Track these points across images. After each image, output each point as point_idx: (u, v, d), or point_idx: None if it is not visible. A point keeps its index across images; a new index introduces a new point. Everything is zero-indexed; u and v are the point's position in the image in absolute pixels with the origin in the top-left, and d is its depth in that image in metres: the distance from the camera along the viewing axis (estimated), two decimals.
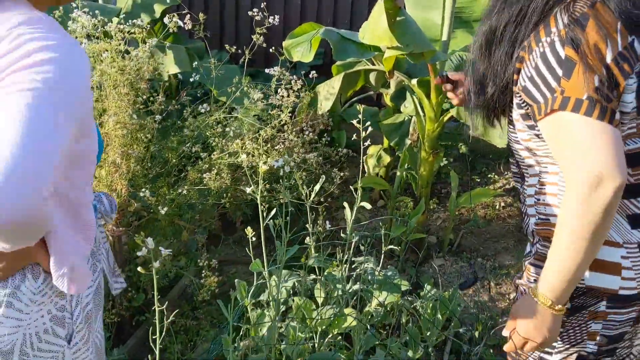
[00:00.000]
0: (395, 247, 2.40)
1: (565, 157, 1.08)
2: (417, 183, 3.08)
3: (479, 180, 3.97)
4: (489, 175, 4.00)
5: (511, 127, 1.27)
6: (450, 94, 1.58)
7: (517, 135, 1.24)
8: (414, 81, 2.77)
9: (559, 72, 1.06)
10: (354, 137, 2.16)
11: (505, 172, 4.05)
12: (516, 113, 1.20)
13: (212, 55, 4.41)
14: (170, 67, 3.46)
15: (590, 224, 1.04)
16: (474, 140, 3.90)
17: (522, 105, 1.17)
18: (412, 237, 2.96)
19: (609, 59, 1.04)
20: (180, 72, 3.46)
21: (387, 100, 3.30)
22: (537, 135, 1.18)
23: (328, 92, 2.90)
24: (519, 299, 1.29)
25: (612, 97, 1.04)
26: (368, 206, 2.19)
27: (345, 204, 2.31)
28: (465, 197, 3.06)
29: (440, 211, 3.57)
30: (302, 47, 2.87)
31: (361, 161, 3.85)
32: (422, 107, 2.86)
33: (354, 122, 2.06)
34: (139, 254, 1.12)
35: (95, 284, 1.30)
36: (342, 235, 2.58)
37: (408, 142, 3.06)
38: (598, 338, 1.23)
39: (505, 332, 1.27)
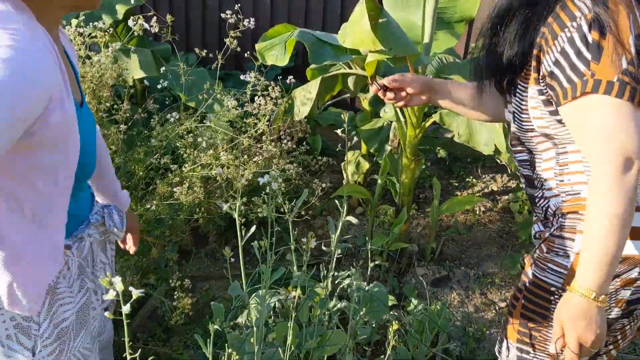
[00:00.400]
0: (383, 263, 2.27)
1: (592, 141, 1.09)
2: (397, 190, 2.97)
3: (457, 184, 3.88)
4: (467, 179, 3.91)
5: (524, 115, 1.28)
6: (390, 101, 1.61)
7: (533, 123, 1.26)
8: None
9: (588, 55, 1.07)
10: (339, 146, 2.02)
11: (483, 176, 3.98)
12: (535, 101, 1.22)
13: (179, 57, 4.22)
14: (135, 72, 3.26)
15: (625, 206, 1.06)
16: (450, 144, 3.81)
17: (544, 91, 1.19)
18: (394, 247, 2.84)
19: (633, 36, 1.07)
20: (147, 77, 3.26)
21: (365, 104, 3.18)
22: (559, 121, 1.21)
23: (305, 97, 2.76)
24: (557, 300, 1.26)
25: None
26: (355, 221, 2.06)
27: (330, 220, 2.17)
28: (448, 204, 2.95)
29: (419, 217, 3.47)
30: (276, 50, 2.72)
31: (343, 170, 3.72)
32: (402, 112, 2.74)
33: (339, 131, 1.92)
34: (105, 298, 0.95)
35: (79, 302, 1.31)
36: (323, 248, 2.44)
37: (388, 148, 2.94)
38: (624, 304, 1.25)
39: (555, 343, 1.23)
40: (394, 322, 2.40)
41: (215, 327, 1.73)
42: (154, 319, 2.74)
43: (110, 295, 0.94)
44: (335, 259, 2.23)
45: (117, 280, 0.99)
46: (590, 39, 1.07)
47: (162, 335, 2.62)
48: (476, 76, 1.40)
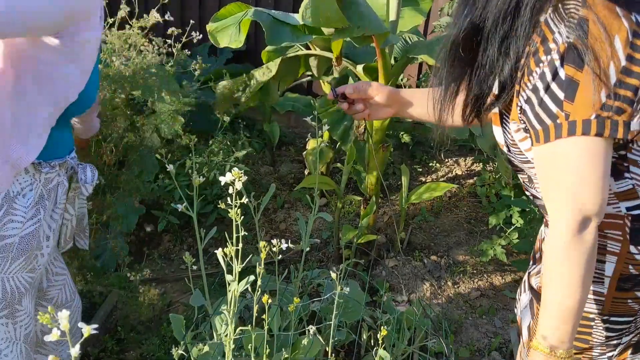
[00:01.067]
0: (351, 257, 2.10)
1: (555, 194, 1.00)
2: (363, 180, 2.81)
3: (420, 169, 3.76)
4: (430, 164, 3.80)
5: (514, 148, 1.13)
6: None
7: (526, 155, 1.11)
8: (360, 68, 2.48)
9: (560, 94, 0.94)
10: (309, 140, 1.84)
11: (446, 160, 3.87)
12: (520, 134, 1.08)
13: None
14: None
15: (582, 266, 0.99)
16: (414, 127, 3.67)
17: (525, 129, 1.06)
18: (364, 240, 2.68)
19: (621, 57, 0.92)
20: None
21: (326, 89, 2.99)
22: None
23: (264, 77, 2.55)
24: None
25: (624, 106, 0.93)
26: (329, 218, 1.88)
27: (300, 218, 1.98)
28: (416, 193, 2.82)
29: (385, 205, 3.33)
30: (230, 31, 2.50)
31: (305, 159, 3.53)
32: None
33: (308, 119, 1.73)
34: (46, 338, 0.75)
35: (26, 229, 1.39)
36: (290, 246, 2.26)
37: (353, 135, 2.77)
38: None
39: None
40: (367, 326, 2.26)
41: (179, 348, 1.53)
42: (105, 329, 2.49)
43: (54, 336, 0.75)
44: (304, 258, 2.05)
45: (64, 316, 0.79)
46: (563, 75, 0.93)
47: (115, 348, 2.38)
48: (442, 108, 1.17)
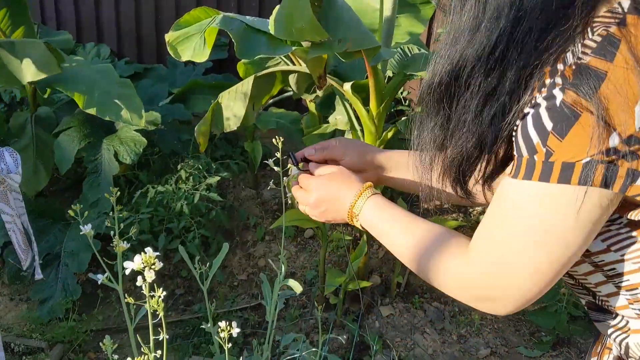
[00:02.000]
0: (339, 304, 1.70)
1: (496, 241, 0.74)
2: None
3: (416, 202, 3.34)
4: None
5: None
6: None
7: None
8: (347, 86, 2.06)
9: (548, 125, 0.66)
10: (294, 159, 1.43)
11: None
12: None
13: (87, 49, 3.51)
14: (27, 72, 2.51)
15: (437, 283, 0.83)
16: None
17: None
18: (354, 287, 2.27)
19: None
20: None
21: (312, 107, 2.58)
22: (615, 222, 0.74)
23: (234, 102, 2.14)
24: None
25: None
26: (299, 289, 1.46)
27: (263, 277, 1.57)
28: None
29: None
30: (192, 43, 2.09)
31: (287, 189, 3.13)
32: (358, 120, 2.16)
33: (271, 162, 1.32)
34: None
35: None
36: (262, 301, 1.84)
37: None
38: None
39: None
40: None
41: None
42: None
43: None
44: (274, 322, 1.63)
45: None
46: (558, 101, 0.66)
47: None
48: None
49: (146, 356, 1.14)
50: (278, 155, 1.65)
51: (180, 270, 2.70)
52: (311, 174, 1.05)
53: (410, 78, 2.11)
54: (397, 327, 2.41)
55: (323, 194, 0.98)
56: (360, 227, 0.95)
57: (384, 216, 0.90)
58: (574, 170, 0.66)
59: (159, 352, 1.15)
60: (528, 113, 0.69)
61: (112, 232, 1.28)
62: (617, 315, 0.82)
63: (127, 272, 1.03)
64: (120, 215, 2.55)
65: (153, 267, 1.00)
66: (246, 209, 3.08)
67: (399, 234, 0.88)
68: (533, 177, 0.68)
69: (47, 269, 2.55)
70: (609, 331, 0.85)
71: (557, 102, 0.66)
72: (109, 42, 3.71)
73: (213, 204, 2.74)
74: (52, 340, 2.29)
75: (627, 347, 0.82)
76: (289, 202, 1.71)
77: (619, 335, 0.83)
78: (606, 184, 0.65)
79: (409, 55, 2.22)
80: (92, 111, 2.45)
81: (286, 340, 1.79)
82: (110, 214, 2.59)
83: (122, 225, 2.53)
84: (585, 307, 0.90)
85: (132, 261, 1.01)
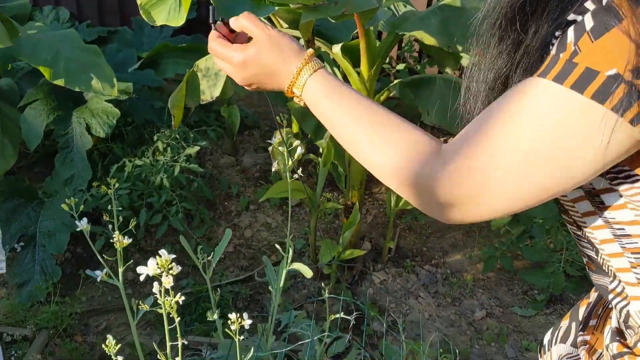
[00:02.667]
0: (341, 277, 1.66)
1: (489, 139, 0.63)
2: (342, 178, 2.33)
3: None
4: None
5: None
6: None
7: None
8: (337, 48, 1.95)
9: (588, 24, 0.56)
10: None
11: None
12: None
13: (45, 13, 3.27)
14: None
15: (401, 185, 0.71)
16: (396, 110, 3.17)
17: None
18: (347, 257, 2.22)
19: None
20: None
21: None
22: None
23: (213, 72, 2.00)
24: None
25: None
26: (309, 274, 1.39)
27: (265, 260, 1.49)
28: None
29: (368, 204, 2.86)
30: (167, 5, 1.94)
31: (272, 157, 3.02)
32: (347, 82, 2.06)
33: (277, 118, 1.23)
34: None
35: None
36: (256, 278, 1.78)
37: None
38: None
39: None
40: None
41: None
42: None
43: None
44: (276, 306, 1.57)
45: None
46: (605, 1, 0.56)
47: None
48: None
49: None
50: (278, 136, 1.55)
51: (163, 244, 2.60)
52: (233, 31, 0.88)
53: (401, 38, 2.01)
54: (390, 292, 2.39)
55: (251, 71, 0.83)
56: (299, 104, 0.85)
57: (334, 96, 0.79)
58: (595, 80, 0.56)
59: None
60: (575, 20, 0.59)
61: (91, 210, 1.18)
62: (614, 278, 0.77)
63: (142, 277, 0.94)
64: (99, 192, 2.42)
65: (171, 271, 0.92)
66: (227, 177, 2.98)
67: (354, 117, 0.76)
68: (549, 75, 0.59)
69: (22, 251, 2.42)
70: (610, 297, 0.80)
71: (605, 2, 0.57)
72: (67, 4, 3.46)
73: (194, 175, 2.62)
74: (36, 326, 2.19)
75: (627, 315, 0.77)
76: (275, 170, 1.62)
77: (620, 302, 0.78)
78: (621, 108, 0.55)
79: (398, 13, 2.11)
80: (60, 82, 2.28)
81: (288, 318, 1.74)
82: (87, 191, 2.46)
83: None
84: (586, 268, 0.84)
85: (145, 267, 0.92)
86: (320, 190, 2.29)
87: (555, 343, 1.01)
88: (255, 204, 2.83)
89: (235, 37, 0.89)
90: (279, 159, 2.42)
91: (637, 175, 0.64)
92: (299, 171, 1.57)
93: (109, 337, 1.28)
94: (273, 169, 2.63)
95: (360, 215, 2.38)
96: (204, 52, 2.44)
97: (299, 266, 1.37)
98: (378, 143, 0.73)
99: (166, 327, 1.04)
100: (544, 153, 0.59)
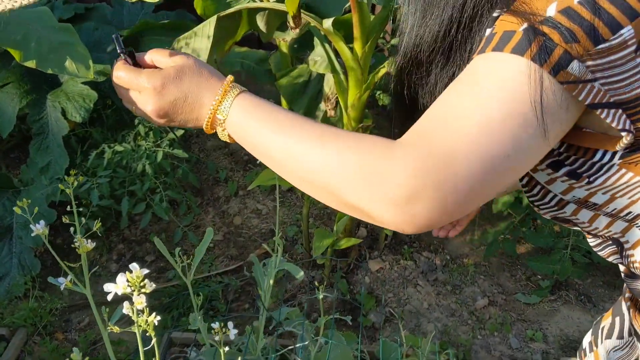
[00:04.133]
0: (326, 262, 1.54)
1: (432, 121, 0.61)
2: None
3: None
4: None
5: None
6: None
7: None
8: (328, 23, 1.80)
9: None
10: None
11: None
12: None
13: None
14: None
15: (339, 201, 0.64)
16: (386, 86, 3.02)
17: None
18: (343, 246, 2.10)
19: None
20: None
21: (283, 47, 2.30)
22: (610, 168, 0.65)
23: (193, 50, 1.85)
24: None
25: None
26: (300, 274, 1.27)
27: (254, 259, 1.37)
28: None
29: None
30: None
31: None
32: (340, 62, 1.92)
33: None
34: None
35: None
36: (245, 272, 1.65)
37: (323, 108, 2.12)
38: None
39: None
40: None
41: None
42: None
43: None
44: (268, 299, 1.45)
45: None
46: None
47: None
48: None
49: None
50: None
51: (148, 234, 2.47)
52: (139, 65, 0.79)
53: (396, 11, 1.86)
54: (388, 281, 2.27)
55: (169, 98, 0.73)
56: (225, 137, 0.75)
57: (261, 117, 0.70)
58: (512, 38, 0.57)
59: None
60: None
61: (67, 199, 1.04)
62: None
63: (110, 297, 0.80)
64: (77, 181, 2.28)
65: (143, 289, 0.78)
66: (214, 161, 2.84)
67: (288, 137, 0.67)
68: (475, 54, 0.61)
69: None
70: None
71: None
72: None
73: (178, 160, 2.48)
74: (13, 325, 2.06)
75: None
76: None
77: None
78: (539, 59, 0.55)
79: None
80: (31, 64, 2.12)
81: (280, 316, 1.62)
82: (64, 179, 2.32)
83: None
84: (622, 275, 0.82)
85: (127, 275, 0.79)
86: None
87: (601, 342, 0.99)
88: (245, 189, 2.70)
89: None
90: None
91: (597, 162, 0.64)
92: None
93: (75, 349, 1.16)
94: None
95: None
96: (187, 28, 2.29)
97: (289, 266, 1.25)
98: (328, 149, 0.63)
99: (140, 349, 0.91)
100: (497, 117, 0.56)
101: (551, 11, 0.56)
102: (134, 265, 0.77)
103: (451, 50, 0.68)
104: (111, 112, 2.56)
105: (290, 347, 1.44)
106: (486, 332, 2.08)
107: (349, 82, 1.90)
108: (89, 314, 2.21)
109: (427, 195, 0.57)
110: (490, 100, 0.57)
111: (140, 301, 0.76)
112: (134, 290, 0.77)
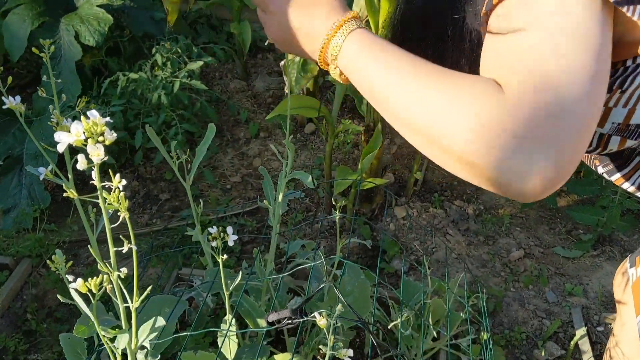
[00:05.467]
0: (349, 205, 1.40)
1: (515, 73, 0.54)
2: (366, 103, 2.03)
3: None
4: None
5: None
6: None
7: None
8: None
9: None
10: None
11: None
12: None
13: None
14: None
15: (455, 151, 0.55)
16: None
17: None
18: (367, 186, 1.94)
19: None
20: None
21: None
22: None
23: None
24: None
25: None
26: (310, 184, 1.12)
27: (262, 170, 1.22)
28: None
29: (392, 133, 2.56)
30: None
31: (284, 73, 2.76)
32: None
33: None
34: None
35: None
36: (259, 203, 1.51)
37: None
38: None
39: None
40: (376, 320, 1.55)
41: None
42: (9, 317, 1.81)
43: None
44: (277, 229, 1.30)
45: None
46: None
47: (20, 347, 1.70)
48: None
49: (105, 276, 0.80)
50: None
51: (163, 172, 2.35)
52: None
53: None
54: (415, 229, 2.11)
55: (277, 16, 0.70)
56: (335, 76, 0.67)
57: (374, 55, 0.61)
58: None
59: (124, 269, 0.82)
60: None
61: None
62: None
63: (61, 148, 0.65)
64: (88, 108, 2.16)
65: (101, 138, 0.64)
66: (236, 103, 2.70)
67: (400, 76, 0.58)
68: None
69: (8, 174, 2.20)
70: None
71: None
72: None
73: (197, 94, 2.35)
74: (17, 255, 1.98)
75: None
76: (287, 90, 1.33)
77: None
78: None
79: None
80: None
81: (293, 247, 1.48)
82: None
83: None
84: None
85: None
86: (338, 107, 1.99)
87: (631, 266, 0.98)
88: (266, 131, 2.56)
89: None
90: (291, 74, 2.12)
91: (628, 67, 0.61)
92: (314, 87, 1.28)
93: (58, 251, 1.05)
94: (285, 90, 2.33)
95: (383, 142, 2.08)
96: None
97: (299, 174, 1.10)
98: (450, 94, 0.55)
99: (107, 230, 0.78)
100: (574, 34, 0.52)
101: None
102: (93, 112, 0.63)
103: None
104: (129, 42, 2.44)
105: (298, 268, 1.30)
106: (520, 285, 1.91)
107: (380, 4, 1.72)
108: (100, 249, 2.10)
109: (546, 142, 0.50)
110: (560, 22, 0.53)
111: (97, 152, 0.61)
112: (89, 139, 0.62)
